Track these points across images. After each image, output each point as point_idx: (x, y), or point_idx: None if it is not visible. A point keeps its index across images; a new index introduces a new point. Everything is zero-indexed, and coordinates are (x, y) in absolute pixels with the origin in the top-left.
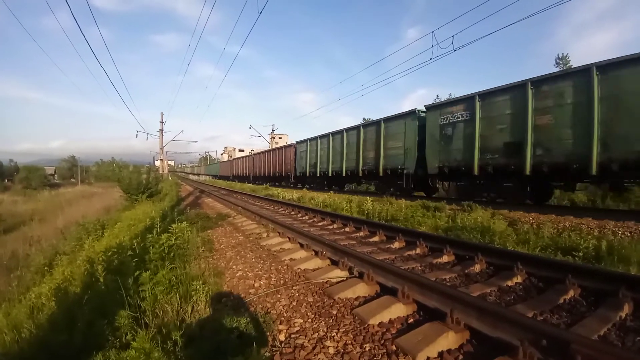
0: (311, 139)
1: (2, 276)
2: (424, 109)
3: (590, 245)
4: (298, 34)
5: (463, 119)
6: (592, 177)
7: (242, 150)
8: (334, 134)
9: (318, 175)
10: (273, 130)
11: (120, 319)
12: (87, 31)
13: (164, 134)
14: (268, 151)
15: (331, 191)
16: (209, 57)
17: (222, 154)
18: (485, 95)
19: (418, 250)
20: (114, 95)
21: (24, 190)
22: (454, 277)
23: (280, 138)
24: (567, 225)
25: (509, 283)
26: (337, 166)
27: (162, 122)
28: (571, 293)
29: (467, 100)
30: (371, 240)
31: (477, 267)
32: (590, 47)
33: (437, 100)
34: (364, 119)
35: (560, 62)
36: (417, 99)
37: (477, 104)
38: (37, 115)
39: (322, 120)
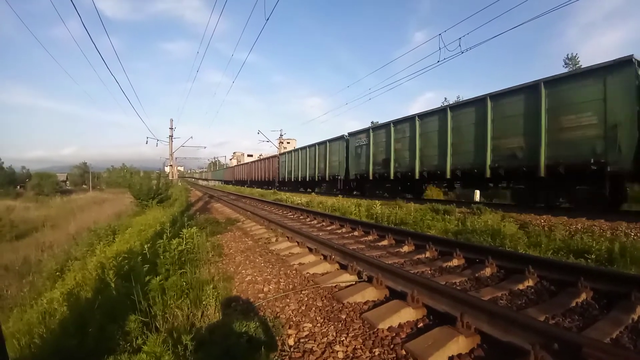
0: (288, 152)
1: (15, 281)
2: (348, 135)
3: (603, 248)
4: (305, 39)
5: (365, 143)
6: (416, 180)
7: (251, 156)
8: (301, 149)
9: (293, 180)
10: (281, 135)
11: (131, 324)
12: (97, 40)
13: (173, 140)
14: (260, 160)
15: (340, 195)
16: (217, 63)
17: (230, 159)
18: (374, 129)
19: (427, 254)
20: (124, 103)
21: (36, 197)
22: (464, 280)
23: (288, 143)
24: (579, 228)
25: (520, 286)
26: (304, 173)
27: (171, 128)
28: (583, 296)
29: (366, 131)
30: (380, 244)
31: (487, 271)
32: (599, 47)
33: (389, 120)
34: (372, 122)
35: (570, 63)
36: (425, 102)
37: (371, 134)
38: (49, 122)
39: (329, 124)
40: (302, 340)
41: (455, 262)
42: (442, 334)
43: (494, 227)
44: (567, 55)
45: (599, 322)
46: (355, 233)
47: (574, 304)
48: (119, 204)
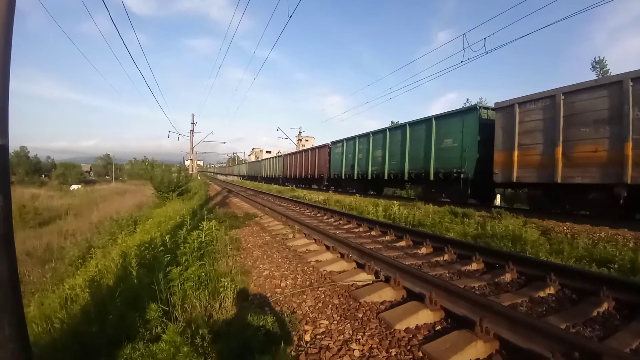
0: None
1: (37, 267)
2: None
3: (626, 257)
4: (327, 38)
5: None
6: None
7: (269, 152)
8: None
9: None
10: (300, 133)
11: (151, 312)
12: (124, 35)
13: (194, 134)
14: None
15: (357, 194)
16: (240, 60)
17: (249, 155)
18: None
19: (446, 257)
20: (149, 97)
21: (60, 186)
22: (483, 285)
23: (307, 140)
24: (603, 236)
25: (541, 294)
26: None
27: (193, 123)
28: (605, 305)
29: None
30: (397, 244)
31: (507, 276)
32: (628, 51)
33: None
34: (391, 122)
35: (597, 66)
36: (446, 103)
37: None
38: (73, 114)
39: (348, 123)
40: (318, 336)
41: (474, 266)
42: (460, 338)
43: (514, 232)
44: (595, 59)
45: (620, 332)
46: (373, 233)
47: (595, 313)
48: (140, 195)
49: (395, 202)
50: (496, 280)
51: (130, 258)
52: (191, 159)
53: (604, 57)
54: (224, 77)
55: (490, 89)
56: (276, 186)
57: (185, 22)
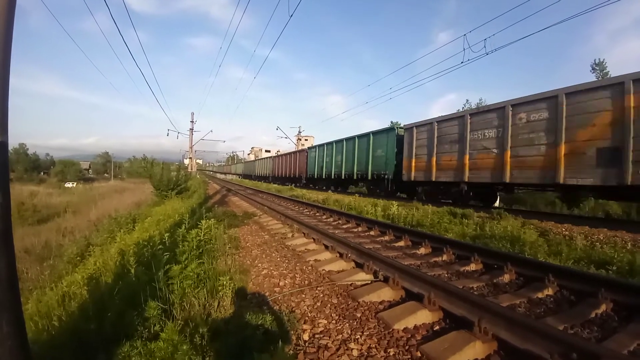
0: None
1: (35, 264)
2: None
3: (625, 259)
4: (327, 37)
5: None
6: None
7: (269, 151)
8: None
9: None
10: (299, 132)
11: (150, 310)
12: (125, 33)
13: (193, 133)
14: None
15: (356, 194)
16: (240, 59)
17: (249, 154)
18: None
19: (445, 257)
20: (148, 95)
21: (59, 184)
22: (481, 286)
23: (306, 139)
24: (601, 238)
25: (540, 295)
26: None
27: (192, 121)
28: (603, 307)
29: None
30: (396, 245)
31: (506, 277)
32: (628, 53)
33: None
34: (391, 122)
35: (597, 68)
36: (446, 104)
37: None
38: (74, 112)
39: (348, 122)
40: (317, 335)
41: (473, 266)
42: (458, 338)
43: (513, 233)
44: (595, 60)
45: (618, 333)
46: (372, 232)
47: (593, 315)
48: (139, 194)
49: (394, 202)
50: (495, 281)
51: (129, 256)
52: (190, 158)
53: (604, 59)
54: (224, 76)
55: (491, 90)
56: (275, 185)
57: (185, 21)
